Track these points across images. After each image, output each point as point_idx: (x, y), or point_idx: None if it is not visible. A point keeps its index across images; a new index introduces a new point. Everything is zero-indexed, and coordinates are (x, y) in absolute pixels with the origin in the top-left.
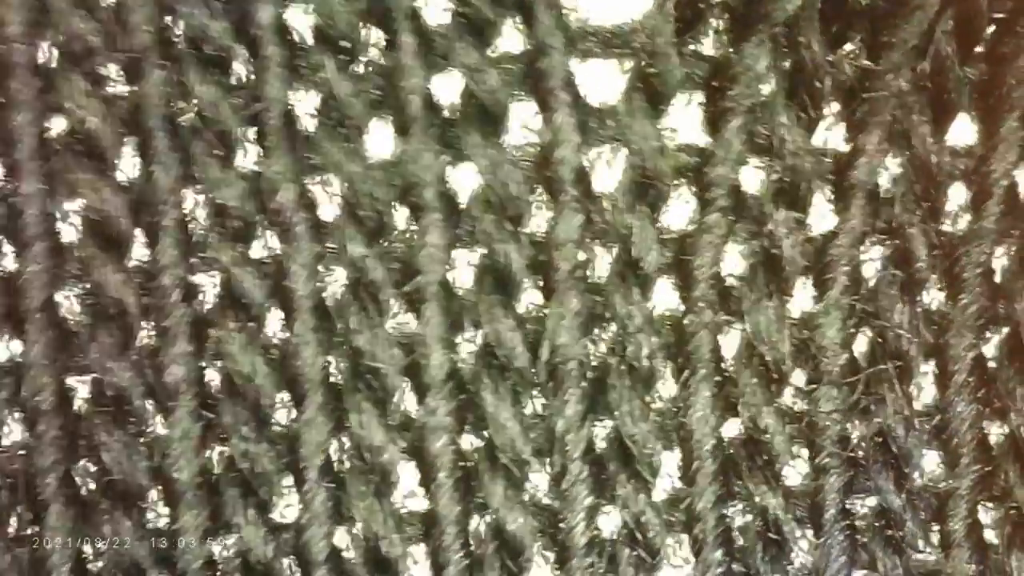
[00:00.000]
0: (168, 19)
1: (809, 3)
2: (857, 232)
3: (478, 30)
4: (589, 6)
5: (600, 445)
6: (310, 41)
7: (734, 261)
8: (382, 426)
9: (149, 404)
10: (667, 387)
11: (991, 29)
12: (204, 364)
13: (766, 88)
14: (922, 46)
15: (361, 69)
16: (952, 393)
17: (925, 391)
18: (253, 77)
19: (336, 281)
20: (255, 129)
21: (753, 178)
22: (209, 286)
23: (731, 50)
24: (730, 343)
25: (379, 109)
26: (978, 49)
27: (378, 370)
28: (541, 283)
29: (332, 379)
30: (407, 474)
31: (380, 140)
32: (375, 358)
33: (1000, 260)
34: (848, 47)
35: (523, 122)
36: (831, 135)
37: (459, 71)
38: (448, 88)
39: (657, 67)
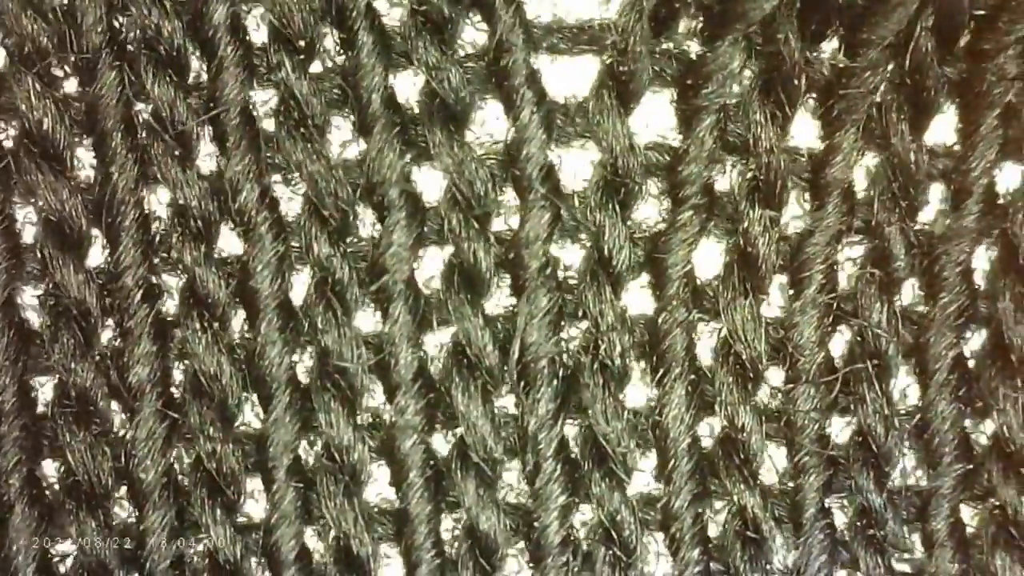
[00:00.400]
0: (120, 20)
1: (787, 2)
2: (833, 230)
3: (437, 28)
4: (557, 1)
5: (573, 443)
6: (266, 40)
7: (708, 259)
8: (350, 425)
9: (114, 405)
10: (642, 386)
11: (971, 26)
12: (169, 364)
13: (739, 86)
14: (901, 43)
15: (320, 68)
16: (933, 392)
17: (905, 390)
18: (210, 77)
19: (302, 280)
20: (213, 129)
21: (727, 176)
22: (174, 286)
23: (704, 48)
24: (705, 341)
25: (340, 108)
26: (958, 46)
27: (346, 369)
28: (511, 281)
29: (300, 378)
30: (378, 473)
31: (342, 139)
32: (342, 357)
33: (980, 259)
34: (825, 45)
35: (488, 120)
36: (806, 133)
37: (420, 70)
38: (410, 86)
39: (629, 65)
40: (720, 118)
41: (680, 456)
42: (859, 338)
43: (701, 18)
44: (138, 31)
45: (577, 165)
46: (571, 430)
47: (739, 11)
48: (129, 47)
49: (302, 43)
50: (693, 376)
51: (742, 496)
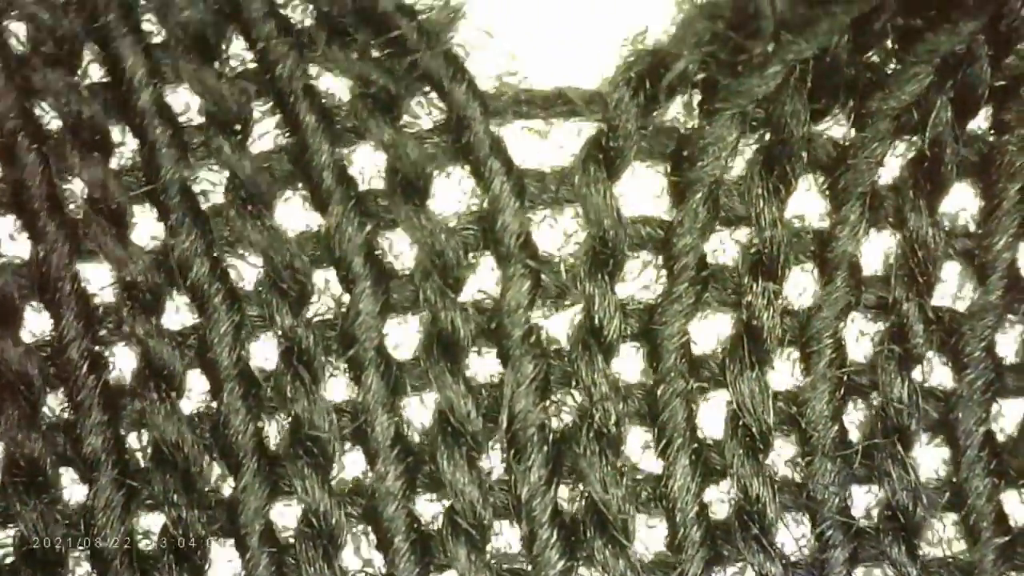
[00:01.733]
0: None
1: (789, 78)
2: (841, 304)
3: (387, 107)
4: (532, 69)
5: (568, 507)
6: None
7: (708, 329)
8: (326, 492)
9: (68, 472)
10: (643, 454)
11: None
12: (122, 433)
13: (740, 159)
14: (916, 116)
15: (264, 147)
16: (966, 470)
17: (933, 462)
18: (143, 158)
19: (262, 349)
20: (156, 207)
21: (728, 248)
22: (124, 356)
23: (700, 121)
24: (707, 410)
25: (291, 183)
26: (976, 119)
27: (318, 437)
28: (496, 349)
29: (267, 443)
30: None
31: (295, 212)
32: (314, 426)
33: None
34: (830, 120)
35: (457, 187)
36: (811, 207)
37: (375, 147)
38: (367, 156)
39: (618, 141)
40: (714, 190)
41: (689, 525)
42: (882, 412)
43: (697, 93)
44: (59, 117)
45: (561, 226)
46: (564, 490)
47: (742, 87)
48: (51, 129)
49: (238, 126)
50: (696, 445)
51: (763, 567)
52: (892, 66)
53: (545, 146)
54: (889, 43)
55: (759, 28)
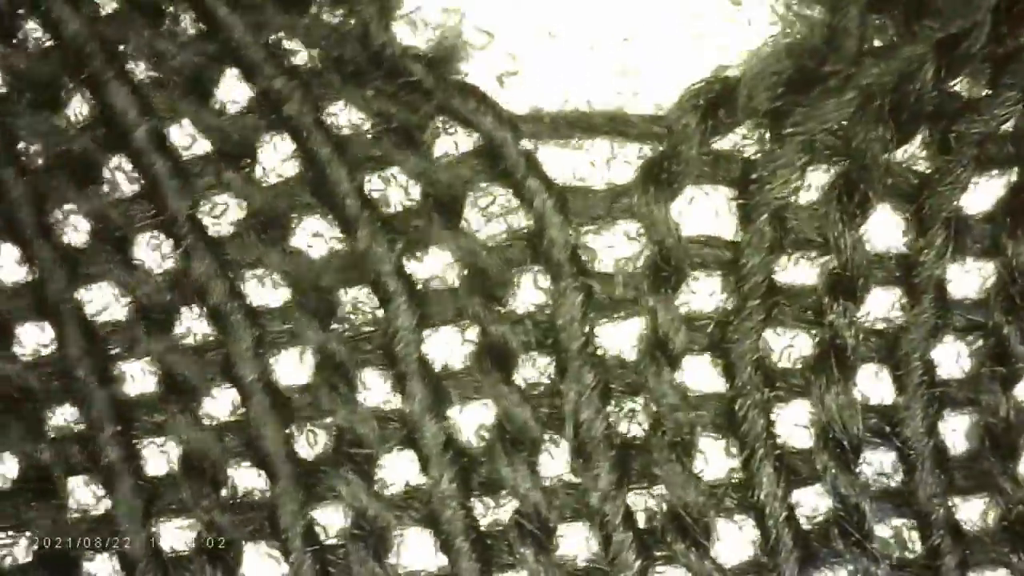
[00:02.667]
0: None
1: (867, 104)
2: (929, 325)
3: (409, 136)
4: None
5: (643, 511)
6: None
7: (784, 342)
8: (373, 496)
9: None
10: (724, 459)
11: None
12: (143, 441)
13: (812, 185)
14: (1017, 146)
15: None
16: None
17: None
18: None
19: (291, 361)
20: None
21: (803, 269)
22: (137, 370)
23: (767, 146)
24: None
25: (311, 208)
26: None
27: (361, 443)
28: (552, 360)
29: (301, 449)
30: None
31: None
32: (356, 433)
33: None
34: (913, 146)
35: (498, 206)
36: (894, 232)
37: (405, 176)
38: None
39: (678, 167)
40: (781, 213)
41: (781, 528)
42: (987, 429)
43: (764, 120)
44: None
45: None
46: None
47: (815, 113)
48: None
49: (245, 159)
50: (778, 452)
51: (867, 570)
52: (982, 91)
53: (575, 161)
54: (979, 69)
55: (838, 51)
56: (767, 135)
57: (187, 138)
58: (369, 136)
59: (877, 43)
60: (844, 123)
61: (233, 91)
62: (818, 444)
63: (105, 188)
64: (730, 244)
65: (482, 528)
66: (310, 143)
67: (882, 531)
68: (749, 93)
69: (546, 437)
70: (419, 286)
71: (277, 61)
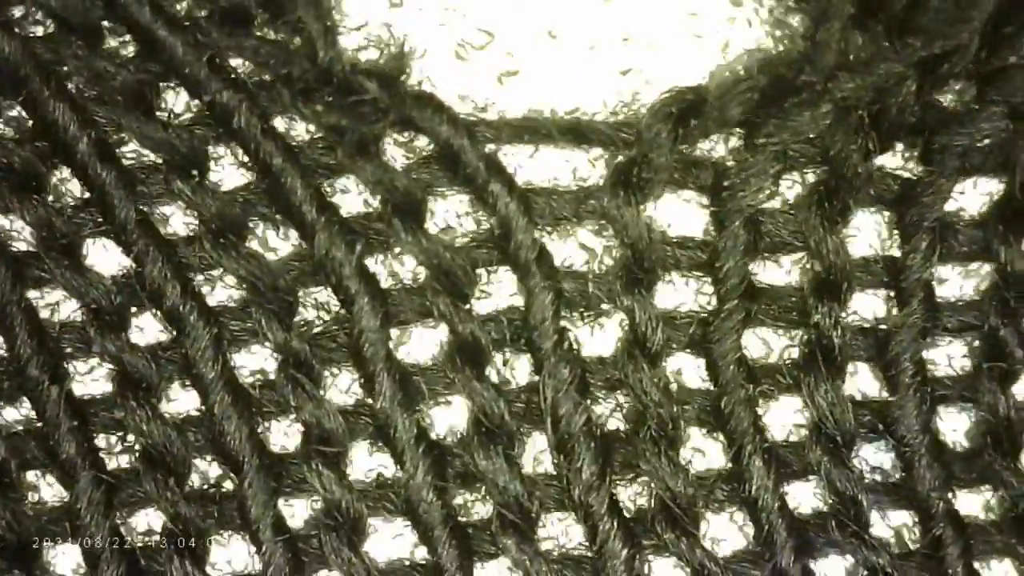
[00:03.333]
0: None
1: (844, 116)
2: (918, 327)
3: (363, 146)
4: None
5: (629, 501)
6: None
7: (769, 340)
8: (345, 487)
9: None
10: (711, 451)
11: None
12: (101, 435)
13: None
14: (1001, 157)
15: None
16: None
17: None
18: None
19: (253, 358)
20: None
21: (784, 271)
22: (90, 367)
23: (741, 155)
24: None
25: (270, 217)
26: None
27: (329, 438)
28: (529, 357)
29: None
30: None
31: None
32: (323, 428)
33: None
34: (895, 154)
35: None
36: (877, 234)
37: (360, 187)
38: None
39: (649, 173)
40: (755, 218)
41: (775, 520)
42: (984, 425)
43: (738, 130)
44: None
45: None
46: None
47: (788, 124)
48: None
49: (195, 170)
50: (767, 445)
51: (870, 555)
52: (966, 104)
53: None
54: (963, 84)
55: (814, 64)
56: (740, 143)
57: (134, 148)
58: (321, 145)
59: (854, 56)
60: (820, 132)
61: (180, 103)
62: (810, 439)
63: (50, 198)
64: (704, 245)
65: (461, 519)
66: (261, 153)
67: (882, 528)
68: (720, 105)
69: (523, 431)
70: (382, 284)
71: (221, 75)
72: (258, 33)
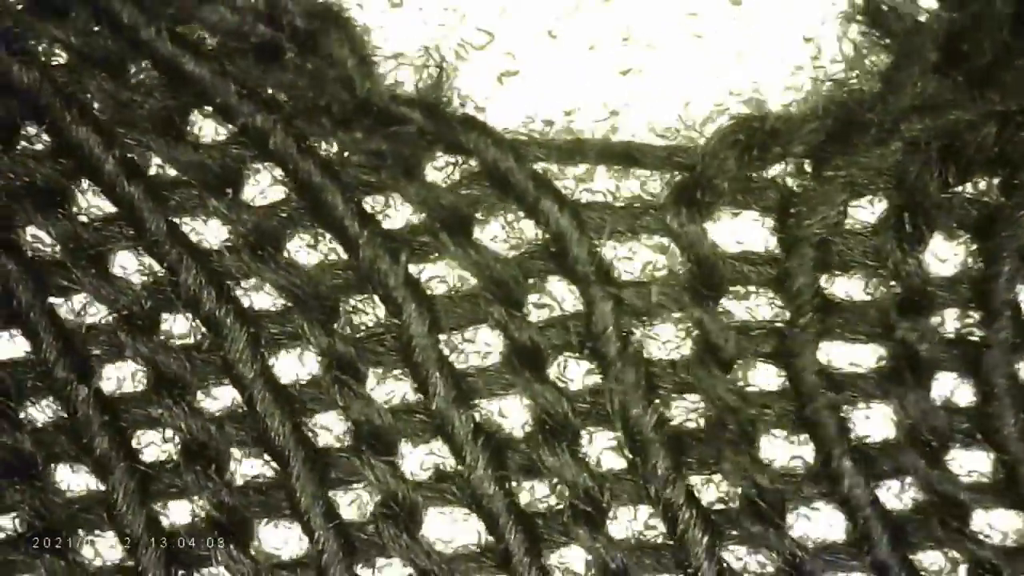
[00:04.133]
0: None
1: (911, 153)
2: (1008, 344)
3: (407, 167)
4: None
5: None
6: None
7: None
8: (400, 478)
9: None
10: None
11: None
12: (129, 433)
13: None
14: None
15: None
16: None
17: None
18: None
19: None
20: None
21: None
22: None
23: (808, 182)
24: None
25: (306, 224)
26: None
27: (379, 434)
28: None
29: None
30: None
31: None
32: (373, 425)
33: None
34: (974, 185)
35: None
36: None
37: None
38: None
39: (712, 198)
40: (824, 243)
41: (869, 516)
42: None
43: (805, 159)
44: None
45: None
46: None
47: (858, 160)
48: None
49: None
50: (855, 447)
51: (975, 549)
52: None
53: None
54: None
55: (887, 104)
56: (808, 169)
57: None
58: (360, 163)
59: (928, 99)
60: (892, 165)
61: (209, 125)
62: (905, 442)
63: (75, 210)
64: (774, 261)
65: (528, 508)
66: (300, 172)
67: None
68: (786, 139)
69: (590, 430)
70: (431, 292)
71: (253, 100)
72: (290, 62)
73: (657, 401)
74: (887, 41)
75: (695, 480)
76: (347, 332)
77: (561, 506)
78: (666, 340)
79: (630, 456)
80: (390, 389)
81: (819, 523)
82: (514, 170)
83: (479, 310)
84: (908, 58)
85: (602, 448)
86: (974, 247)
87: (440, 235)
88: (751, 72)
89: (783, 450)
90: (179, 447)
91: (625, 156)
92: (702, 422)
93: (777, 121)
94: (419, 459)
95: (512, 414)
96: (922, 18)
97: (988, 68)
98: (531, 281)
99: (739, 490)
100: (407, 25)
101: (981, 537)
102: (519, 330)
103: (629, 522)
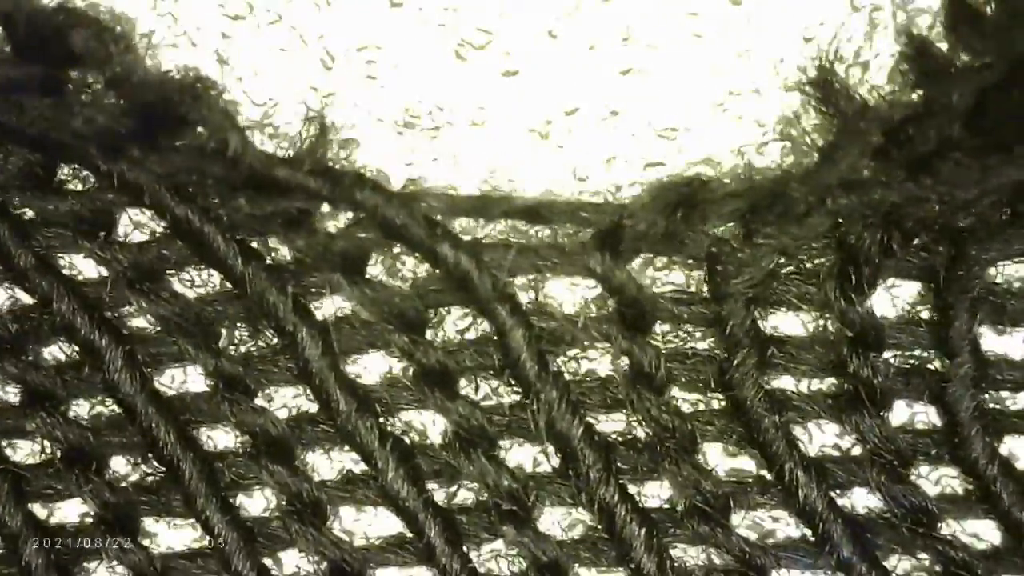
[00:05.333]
0: None
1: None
2: (970, 377)
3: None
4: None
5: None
6: None
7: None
8: (303, 478)
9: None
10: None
11: None
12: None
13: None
14: None
15: None
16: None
17: None
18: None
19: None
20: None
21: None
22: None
23: (739, 245)
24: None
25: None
26: None
27: (275, 441)
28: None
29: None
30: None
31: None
32: (269, 434)
33: None
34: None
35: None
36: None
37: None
38: None
39: (635, 241)
40: (754, 297)
41: (830, 525)
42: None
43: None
44: None
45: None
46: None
47: (784, 230)
48: None
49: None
50: (806, 462)
51: (945, 550)
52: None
53: None
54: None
55: (813, 181)
56: (737, 232)
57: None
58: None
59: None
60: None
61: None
62: (865, 460)
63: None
64: (706, 302)
65: (448, 505)
66: (178, 221)
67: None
68: (714, 209)
69: (510, 441)
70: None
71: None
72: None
73: (583, 413)
74: (831, 115)
75: (633, 489)
76: (234, 353)
77: (486, 504)
78: (593, 360)
79: (558, 462)
80: (288, 404)
81: (770, 522)
82: (409, 224)
83: (379, 336)
84: (850, 137)
85: (526, 455)
86: (923, 292)
87: (332, 278)
88: (751, 72)
89: (728, 459)
90: (61, 453)
91: (531, 213)
92: (639, 433)
93: (703, 189)
94: (327, 464)
95: (427, 426)
96: (876, 94)
97: (928, 156)
98: (432, 312)
99: (683, 497)
100: (407, 25)
101: (951, 540)
102: (425, 355)
103: (561, 519)
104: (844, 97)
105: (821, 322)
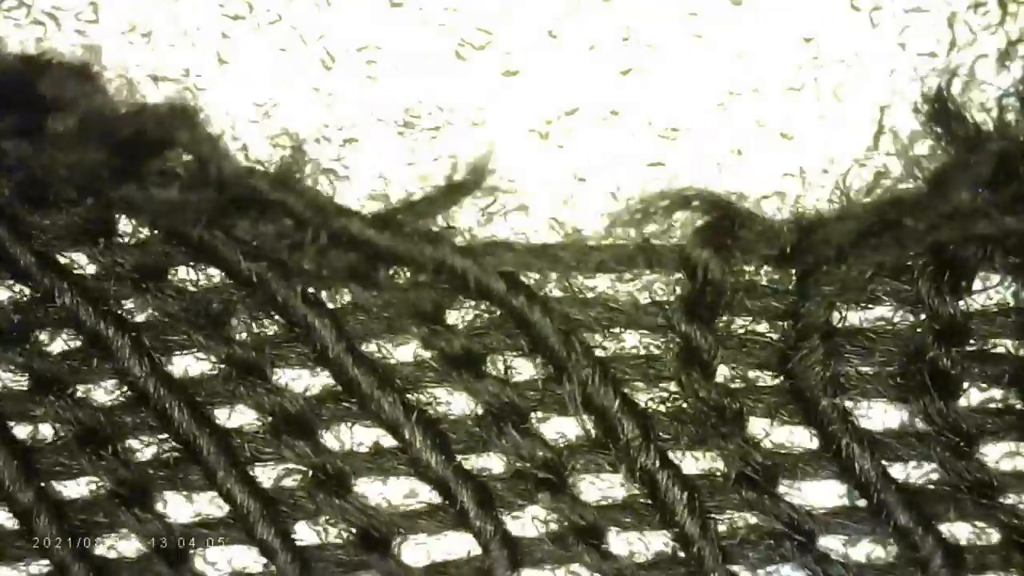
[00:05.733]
0: None
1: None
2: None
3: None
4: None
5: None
6: None
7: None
8: (325, 452)
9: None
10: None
11: None
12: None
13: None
14: None
15: None
16: None
17: None
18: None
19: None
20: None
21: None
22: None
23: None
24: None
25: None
26: None
27: (294, 419)
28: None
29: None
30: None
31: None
32: (287, 411)
33: None
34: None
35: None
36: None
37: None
38: None
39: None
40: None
41: (888, 494)
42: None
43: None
44: None
45: None
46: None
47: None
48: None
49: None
50: (861, 433)
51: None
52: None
53: None
54: None
55: (928, 208)
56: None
57: None
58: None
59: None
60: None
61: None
62: (927, 438)
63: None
64: (779, 295)
65: (481, 474)
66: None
67: None
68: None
69: (542, 416)
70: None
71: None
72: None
73: (622, 388)
74: (944, 142)
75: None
76: (246, 338)
77: (520, 472)
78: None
79: (597, 432)
80: (309, 382)
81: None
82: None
83: (398, 325)
84: (964, 167)
85: (560, 427)
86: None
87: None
88: (751, 72)
89: (778, 431)
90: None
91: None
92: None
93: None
94: (350, 439)
95: (455, 404)
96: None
97: None
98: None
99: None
100: (407, 25)
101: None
102: (447, 342)
103: (600, 484)
104: (960, 123)
105: (898, 315)
